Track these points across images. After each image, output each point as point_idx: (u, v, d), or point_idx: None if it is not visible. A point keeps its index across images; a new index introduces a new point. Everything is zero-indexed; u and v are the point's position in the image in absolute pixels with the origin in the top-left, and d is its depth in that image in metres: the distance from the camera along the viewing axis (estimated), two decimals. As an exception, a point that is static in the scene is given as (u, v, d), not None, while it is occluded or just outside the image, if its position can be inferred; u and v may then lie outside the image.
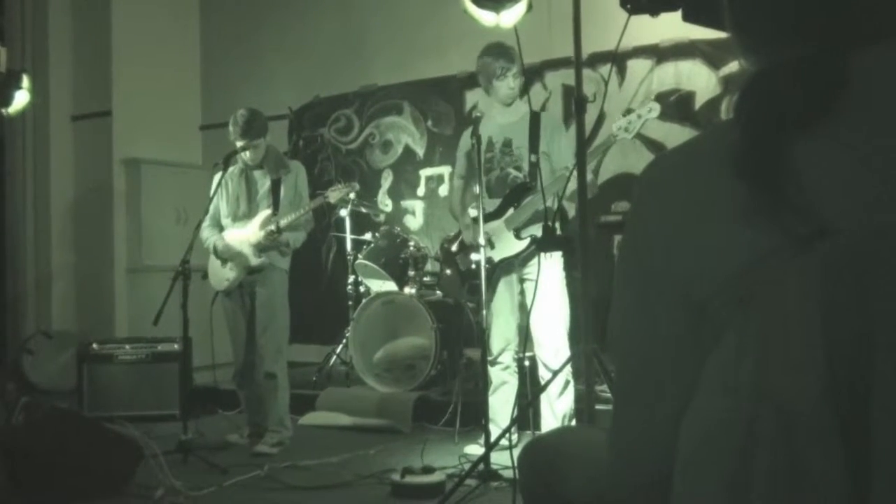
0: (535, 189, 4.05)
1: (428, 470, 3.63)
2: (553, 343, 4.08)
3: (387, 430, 4.88)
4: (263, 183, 4.60)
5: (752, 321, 0.82)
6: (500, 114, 4.30)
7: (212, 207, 4.69)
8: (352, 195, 4.63)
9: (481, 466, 3.52)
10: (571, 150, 4.02)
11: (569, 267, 4.16)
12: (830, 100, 0.81)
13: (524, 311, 4.20)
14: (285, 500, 3.63)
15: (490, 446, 3.59)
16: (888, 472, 0.75)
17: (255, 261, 4.49)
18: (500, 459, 3.63)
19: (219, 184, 4.63)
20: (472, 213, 4.19)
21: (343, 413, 5.15)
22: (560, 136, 4.21)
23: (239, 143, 4.49)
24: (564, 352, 4.05)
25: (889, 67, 0.83)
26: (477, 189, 3.96)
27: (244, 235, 4.52)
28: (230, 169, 4.63)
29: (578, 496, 1.18)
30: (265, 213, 4.51)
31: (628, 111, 3.91)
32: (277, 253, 4.55)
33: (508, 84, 4.20)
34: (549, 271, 4.03)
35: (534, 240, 4.03)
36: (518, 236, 4.09)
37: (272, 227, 4.44)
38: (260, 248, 4.48)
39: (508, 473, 3.47)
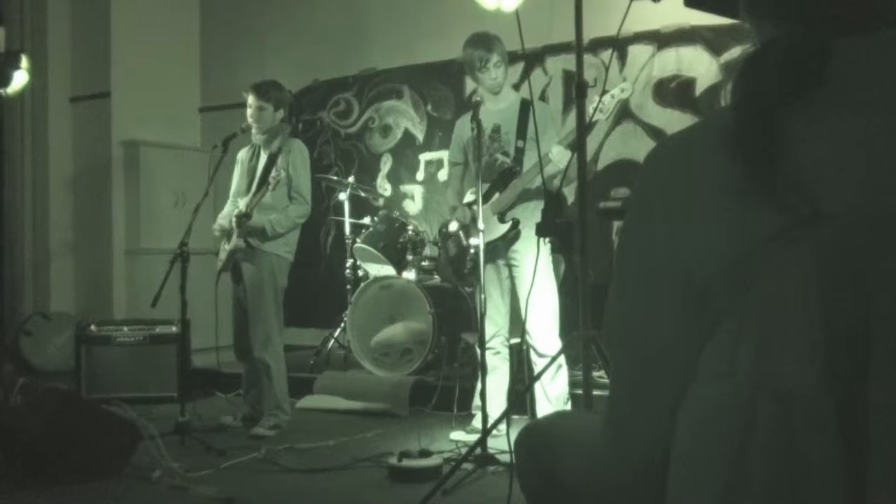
0: (520, 173, 4.09)
1: (425, 453, 3.64)
2: (541, 327, 4.08)
3: (384, 414, 4.90)
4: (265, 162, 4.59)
5: (751, 306, 0.83)
6: (490, 101, 4.28)
7: (233, 186, 4.72)
8: (276, 176, 4.50)
9: (478, 451, 3.54)
10: (556, 141, 4.03)
11: (561, 252, 4.14)
12: (816, 74, 0.81)
13: (514, 296, 4.21)
14: (282, 483, 3.64)
15: (486, 431, 3.60)
16: (886, 455, 0.76)
17: (232, 242, 4.44)
18: (493, 445, 3.65)
19: (234, 162, 4.66)
20: (470, 197, 4.19)
21: (340, 397, 5.16)
22: (548, 129, 4.18)
23: (247, 98, 4.49)
24: (553, 336, 4.06)
25: (887, 50, 0.82)
26: (473, 175, 3.97)
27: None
28: (245, 147, 4.65)
29: (574, 480, 1.19)
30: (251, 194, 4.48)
31: (603, 92, 3.83)
32: (258, 237, 4.43)
33: (490, 75, 4.18)
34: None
35: (515, 223, 4.07)
36: (502, 220, 4.12)
37: (240, 210, 4.38)
38: (238, 232, 4.42)
39: (505, 458, 3.48)
